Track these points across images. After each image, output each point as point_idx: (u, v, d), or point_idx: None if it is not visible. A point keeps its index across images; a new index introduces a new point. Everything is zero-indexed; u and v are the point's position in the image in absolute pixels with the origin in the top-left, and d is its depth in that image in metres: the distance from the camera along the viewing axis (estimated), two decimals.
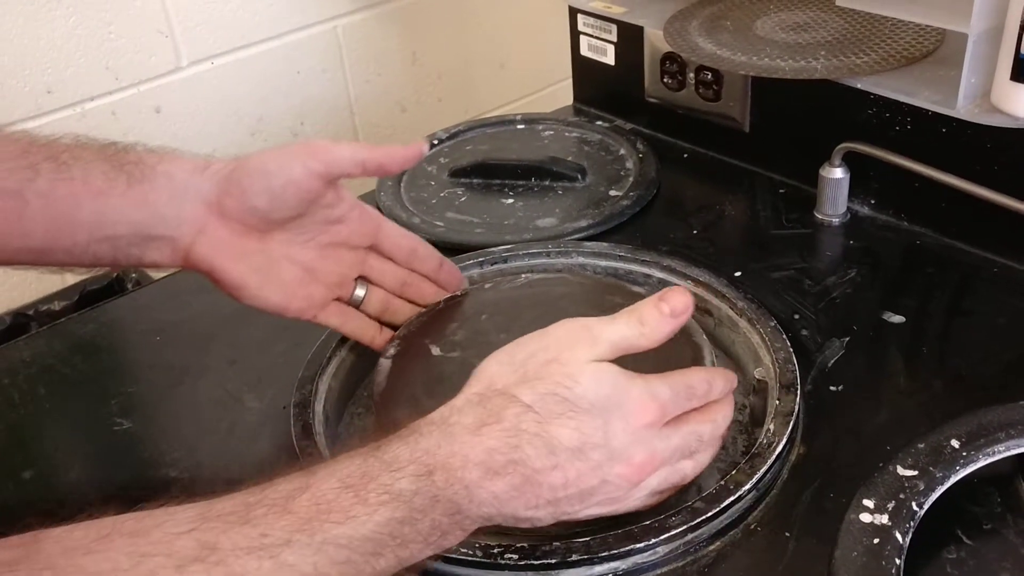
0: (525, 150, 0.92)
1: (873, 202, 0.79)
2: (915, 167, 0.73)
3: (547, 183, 0.86)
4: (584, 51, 0.98)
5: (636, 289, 0.68)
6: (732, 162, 0.89)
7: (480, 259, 0.74)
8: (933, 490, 0.51)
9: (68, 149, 0.57)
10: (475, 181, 0.88)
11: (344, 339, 0.66)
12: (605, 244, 0.74)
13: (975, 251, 0.74)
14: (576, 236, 0.77)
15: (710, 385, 0.53)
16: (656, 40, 0.88)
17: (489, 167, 0.88)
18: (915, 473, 0.52)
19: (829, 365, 0.65)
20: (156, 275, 0.85)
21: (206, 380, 0.68)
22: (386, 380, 0.61)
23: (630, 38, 0.92)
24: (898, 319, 0.68)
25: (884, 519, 0.50)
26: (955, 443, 0.54)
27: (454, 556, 0.51)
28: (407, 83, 1.32)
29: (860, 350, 0.66)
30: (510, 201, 0.85)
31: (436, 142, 0.96)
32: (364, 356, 0.66)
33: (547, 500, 0.47)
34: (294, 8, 1.16)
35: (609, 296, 0.66)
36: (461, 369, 0.62)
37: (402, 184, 0.89)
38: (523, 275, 0.71)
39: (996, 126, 0.66)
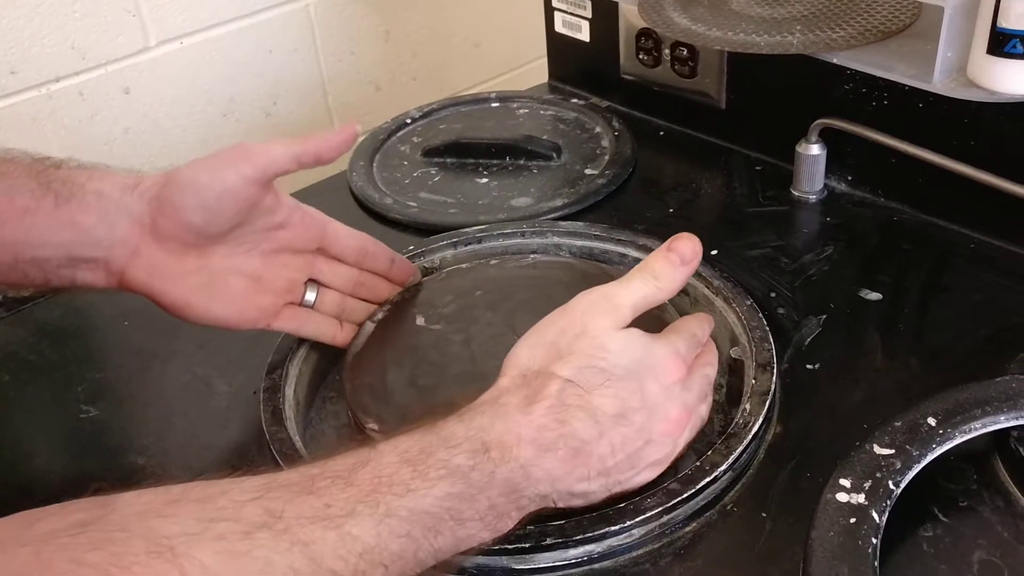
0: (500, 128, 0.91)
1: (850, 178, 0.79)
2: (892, 143, 0.72)
3: (522, 162, 0.85)
4: (558, 27, 0.97)
5: None
6: (708, 139, 0.88)
7: (454, 239, 0.73)
8: (910, 468, 0.51)
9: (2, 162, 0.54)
10: (449, 160, 0.87)
11: None
12: (580, 224, 0.74)
13: (952, 227, 0.74)
14: (551, 216, 0.76)
15: (703, 330, 0.57)
16: (631, 16, 0.87)
17: (463, 146, 0.87)
18: (892, 452, 0.52)
19: (806, 343, 0.64)
20: None
21: (174, 365, 0.67)
22: (363, 344, 0.61)
23: (605, 14, 0.91)
24: (875, 296, 0.68)
25: (861, 498, 0.49)
26: (931, 421, 0.53)
27: None
28: (381, 62, 1.30)
29: (837, 328, 0.65)
30: (484, 180, 0.84)
31: (409, 121, 0.95)
32: None
33: (598, 471, 0.49)
34: None
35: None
36: (437, 342, 0.62)
37: (375, 164, 0.88)
38: (531, 255, 0.71)
39: (972, 100, 0.65)
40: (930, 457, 0.52)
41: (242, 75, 1.18)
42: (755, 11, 0.77)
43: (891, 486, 0.50)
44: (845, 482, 0.51)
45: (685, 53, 0.85)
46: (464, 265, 0.70)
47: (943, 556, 0.50)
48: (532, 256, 0.71)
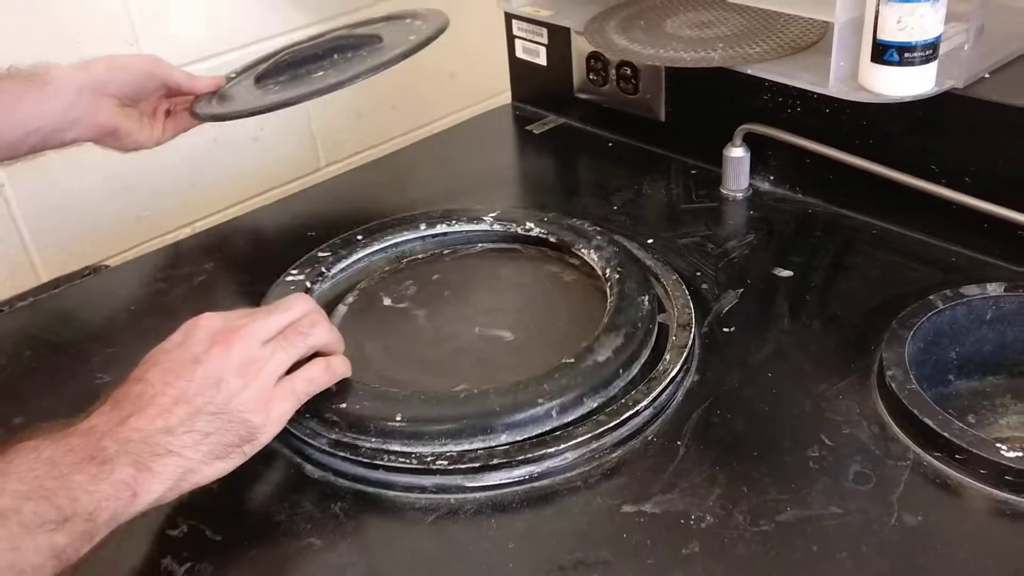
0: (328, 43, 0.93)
1: (772, 178, 0.89)
2: (803, 143, 0.83)
3: (348, 55, 0.90)
4: (519, 53, 1.08)
5: (573, 261, 0.78)
6: (650, 149, 0.99)
7: (420, 231, 0.83)
8: None
9: None
10: (283, 78, 0.90)
11: None
12: (536, 212, 0.84)
13: (858, 216, 0.84)
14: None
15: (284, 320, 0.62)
16: (581, 41, 0.98)
17: (293, 63, 0.90)
18: None
19: (724, 311, 0.74)
20: (115, 262, 0.93)
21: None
22: (339, 322, 0.71)
23: (559, 40, 1.02)
24: (787, 273, 0.78)
25: None
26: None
27: (391, 464, 0.60)
28: (362, 91, 1.40)
29: (752, 299, 0.75)
30: (321, 73, 0.89)
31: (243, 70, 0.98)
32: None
33: (171, 399, 0.55)
34: (255, 20, 1.25)
35: (548, 266, 0.76)
36: (404, 317, 0.72)
37: (213, 98, 0.91)
38: (479, 244, 0.82)
39: (861, 102, 0.76)
40: None
41: None
42: (685, 32, 0.89)
43: None
44: None
45: (629, 72, 0.96)
46: (420, 256, 0.80)
47: (826, 470, 0.60)
48: (480, 245, 0.80)
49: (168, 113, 0.90)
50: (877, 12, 0.70)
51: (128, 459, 0.52)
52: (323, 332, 0.62)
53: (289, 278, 0.76)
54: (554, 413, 0.62)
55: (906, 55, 0.71)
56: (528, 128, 1.06)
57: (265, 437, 0.58)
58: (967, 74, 0.74)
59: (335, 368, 0.62)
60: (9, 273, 1.10)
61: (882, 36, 0.71)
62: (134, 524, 0.56)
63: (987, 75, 0.76)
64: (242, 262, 0.88)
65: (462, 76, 1.48)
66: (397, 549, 0.57)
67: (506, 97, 1.17)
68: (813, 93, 0.81)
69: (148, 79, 0.85)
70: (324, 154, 1.35)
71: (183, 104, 0.91)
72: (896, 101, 0.73)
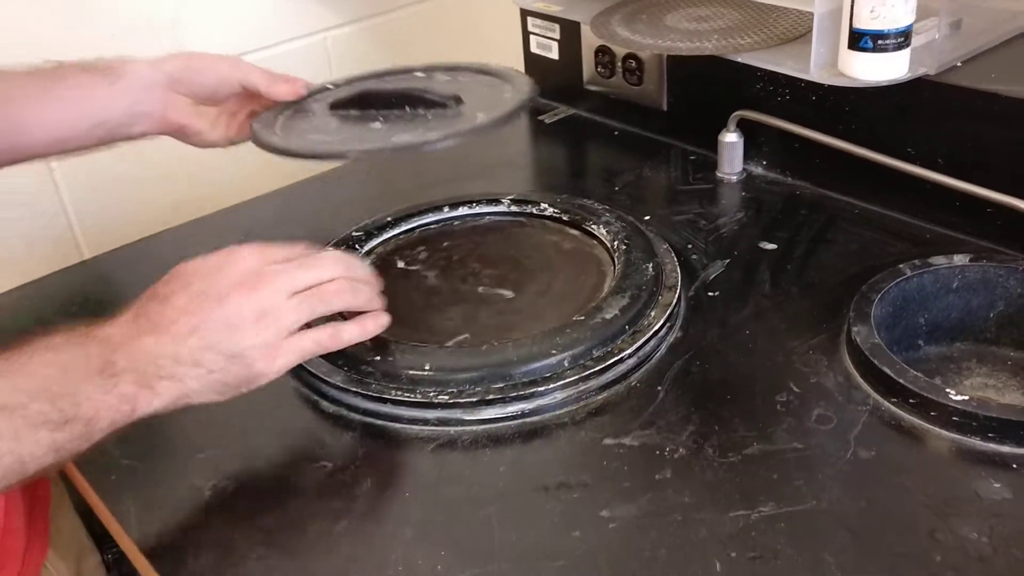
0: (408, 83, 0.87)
1: (764, 163, 0.96)
2: (791, 128, 0.89)
3: (420, 111, 0.81)
4: (534, 48, 1.15)
5: (572, 232, 0.85)
6: (653, 136, 1.05)
7: (434, 209, 0.90)
8: None
9: (56, 69, 0.79)
10: (352, 112, 0.84)
11: None
12: (549, 194, 0.90)
13: (841, 197, 0.90)
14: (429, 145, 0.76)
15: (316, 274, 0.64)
16: (590, 36, 1.05)
17: (367, 97, 0.84)
18: None
19: (710, 279, 0.80)
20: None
21: None
22: None
23: (570, 35, 1.09)
24: (771, 246, 0.84)
25: None
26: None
27: (396, 398, 0.67)
28: None
29: (737, 268, 0.82)
30: (377, 124, 0.81)
31: (332, 86, 0.90)
32: None
33: (186, 330, 0.58)
34: (288, 20, 1.33)
35: (548, 236, 0.83)
36: (418, 277, 0.79)
37: (281, 116, 0.85)
38: (486, 216, 0.88)
39: (847, 88, 0.82)
40: None
41: None
42: (683, 25, 0.95)
43: None
44: None
45: (634, 65, 1.02)
46: (432, 226, 0.87)
47: (792, 412, 0.65)
48: (487, 216, 0.87)
49: (251, 114, 0.87)
50: (853, 2, 0.76)
51: (133, 376, 0.57)
52: (345, 300, 0.64)
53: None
54: (566, 363, 0.68)
55: (879, 42, 0.77)
56: (540, 118, 1.13)
57: (263, 382, 0.61)
58: (939, 62, 0.80)
59: (342, 336, 0.64)
60: (55, 250, 1.19)
61: (857, 24, 0.77)
62: (167, 447, 0.63)
63: (959, 64, 0.82)
64: (272, 238, 0.95)
65: None
66: (401, 472, 0.64)
67: None
68: (801, 82, 0.87)
69: (223, 82, 0.83)
70: None
71: (266, 106, 0.88)
72: (871, 86, 0.79)
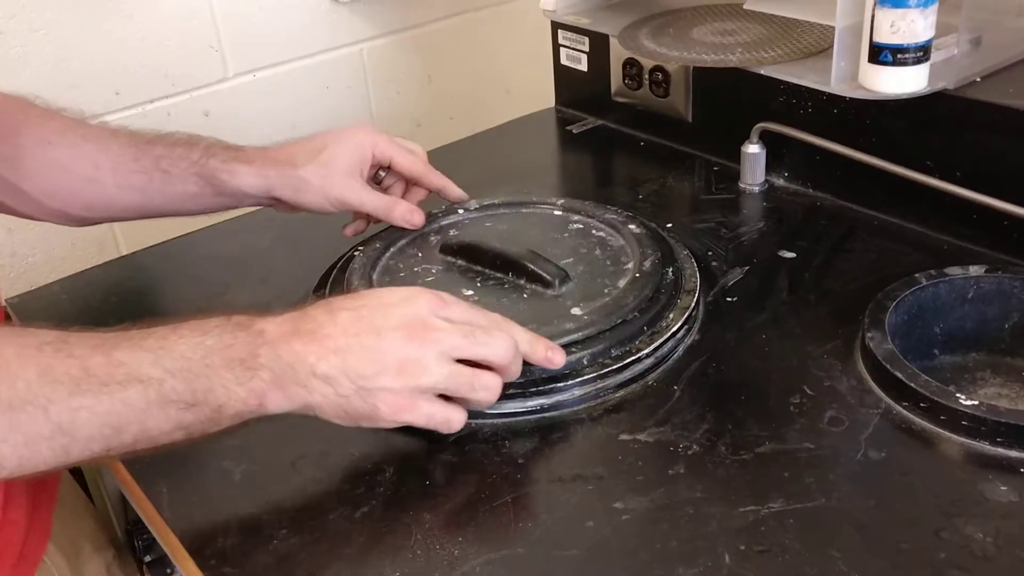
0: (521, 238, 0.85)
1: (786, 174, 0.97)
2: (812, 140, 0.91)
3: (521, 282, 0.78)
4: (563, 60, 1.17)
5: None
6: (678, 147, 1.07)
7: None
8: None
9: (166, 156, 0.80)
10: (459, 262, 0.82)
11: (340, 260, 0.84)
12: (574, 201, 0.92)
13: (861, 209, 0.92)
14: None
15: (494, 348, 0.63)
16: (619, 49, 1.07)
17: (473, 250, 0.82)
18: None
19: (729, 284, 0.82)
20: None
21: (242, 292, 0.87)
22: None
23: (599, 48, 1.11)
24: (790, 255, 0.86)
25: None
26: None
27: None
28: (423, 102, 1.51)
29: (756, 275, 0.83)
30: (469, 293, 0.78)
31: (463, 210, 0.91)
32: None
33: (330, 349, 0.59)
34: (326, 31, 1.36)
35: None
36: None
37: (391, 248, 0.85)
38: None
39: (868, 101, 0.84)
40: None
41: (303, 106, 1.40)
42: (709, 39, 0.97)
43: None
44: None
45: (660, 77, 1.05)
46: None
47: (804, 414, 0.67)
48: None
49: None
50: (873, 17, 0.78)
51: (270, 375, 0.58)
52: (490, 398, 0.63)
53: (357, 253, 0.84)
54: (584, 361, 0.70)
55: (899, 56, 0.78)
56: (568, 128, 1.15)
57: (381, 426, 0.61)
58: (958, 77, 0.81)
59: (451, 423, 0.63)
60: (95, 246, 1.23)
61: (877, 39, 0.79)
62: None
63: (979, 79, 0.83)
64: (302, 236, 0.98)
65: (516, 92, 1.58)
66: (424, 459, 0.66)
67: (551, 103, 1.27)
68: (823, 95, 0.89)
69: (330, 202, 0.82)
70: None
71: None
72: (891, 98, 0.80)
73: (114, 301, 0.88)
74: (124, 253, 1.18)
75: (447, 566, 0.57)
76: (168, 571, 0.84)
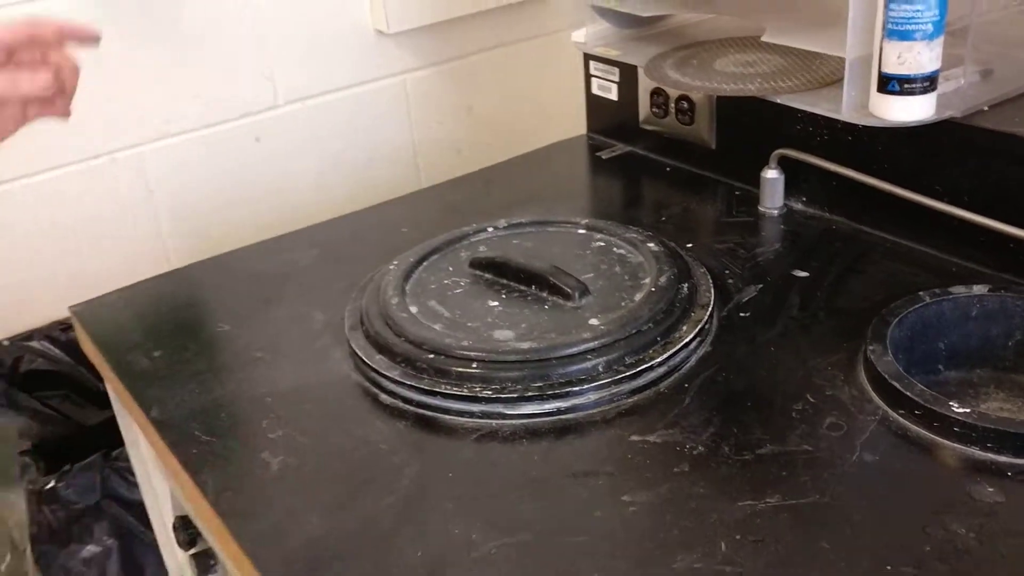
0: (545, 254, 0.90)
1: (804, 199, 1.02)
2: (827, 166, 0.95)
3: (543, 294, 0.84)
4: (595, 90, 1.23)
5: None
6: (701, 173, 1.12)
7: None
8: None
9: None
10: (486, 275, 0.88)
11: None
12: (599, 221, 0.97)
13: (875, 232, 0.96)
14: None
15: None
16: (646, 78, 1.12)
17: (499, 265, 0.87)
18: None
19: (743, 301, 0.87)
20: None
21: (285, 304, 0.93)
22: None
23: (629, 77, 1.17)
24: (803, 274, 0.90)
25: None
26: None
27: (446, 391, 0.74)
28: (463, 130, 1.58)
29: (769, 293, 0.88)
30: (495, 304, 0.84)
31: (492, 228, 0.97)
32: None
33: None
34: (371, 63, 1.43)
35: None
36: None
37: (423, 263, 0.91)
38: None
39: (878, 128, 0.88)
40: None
41: (349, 132, 1.47)
42: (731, 69, 1.02)
43: None
44: None
45: (686, 106, 1.10)
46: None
47: (806, 420, 0.71)
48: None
49: None
50: (881, 49, 0.82)
51: None
52: None
53: (391, 266, 0.90)
54: (600, 368, 0.75)
55: (906, 86, 0.83)
56: (598, 154, 1.21)
57: None
58: (966, 106, 0.85)
59: None
60: (152, 263, 1.30)
61: (885, 69, 0.83)
62: (241, 427, 0.71)
63: (986, 108, 0.87)
64: (344, 253, 1.04)
65: (556, 120, 1.64)
66: (445, 456, 0.71)
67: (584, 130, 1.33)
68: (838, 122, 0.93)
69: None
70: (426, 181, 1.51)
71: None
72: (899, 126, 0.84)
73: (165, 311, 0.95)
74: (174, 264, 1.26)
75: (465, 549, 0.62)
76: (212, 562, 0.90)
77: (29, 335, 1.30)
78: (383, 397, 0.78)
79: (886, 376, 0.71)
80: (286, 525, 0.66)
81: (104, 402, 1.34)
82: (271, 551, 0.63)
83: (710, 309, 0.82)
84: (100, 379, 1.30)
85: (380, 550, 0.63)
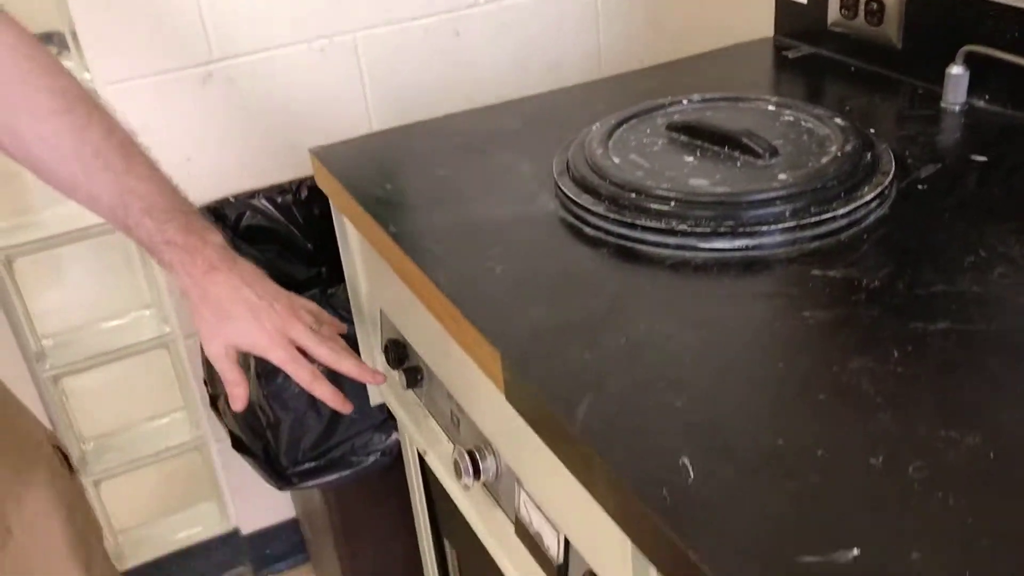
0: (737, 124, 0.95)
1: (987, 96, 1.06)
2: (1017, 60, 0.99)
3: (735, 154, 0.92)
4: None
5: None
6: (887, 73, 1.17)
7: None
8: None
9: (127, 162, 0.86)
10: (681, 138, 0.96)
11: None
12: (783, 99, 1.05)
13: None
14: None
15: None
16: None
17: (695, 127, 0.96)
18: None
19: (921, 176, 0.93)
20: None
21: (496, 155, 1.04)
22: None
23: None
24: (982, 159, 0.95)
25: None
26: None
27: (645, 224, 0.84)
28: (647, 40, 1.66)
29: (948, 172, 0.93)
30: (690, 159, 0.93)
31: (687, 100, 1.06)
32: None
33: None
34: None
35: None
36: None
37: (623, 125, 1.01)
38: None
39: None
40: None
41: (539, 35, 1.57)
42: None
43: None
44: None
45: (875, 7, 1.15)
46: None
47: (977, 267, 0.78)
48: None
49: None
50: None
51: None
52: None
53: (594, 127, 1.00)
54: (787, 214, 0.83)
55: None
56: (784, 53, 1.27)
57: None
58: None
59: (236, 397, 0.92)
60: (351, 126, 1.45)
61: None
62: (465, 239, 0.83)
63: None
64: (545, 118, 1.14)
65: (740, 29, 1.69)
66: (642, 277, 0.81)
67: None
68: None
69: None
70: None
71: None
72: None
73: (390, 156, 1.08)
74: (374, 127, 1.39)
75: (664, 337, 0.72)
76: (418, 377, 1.03)
77: (252, 194, 1.47)
78: (587, 230, 0.88)
79: None
80: (510, 313, 0.77)
81: (313, 259, 1.50)
82: (500, 327, 0.75)
83: (891, 177, 0.89)
84: (310, 239, 1.47)
85: (595, 331, 0.74)
